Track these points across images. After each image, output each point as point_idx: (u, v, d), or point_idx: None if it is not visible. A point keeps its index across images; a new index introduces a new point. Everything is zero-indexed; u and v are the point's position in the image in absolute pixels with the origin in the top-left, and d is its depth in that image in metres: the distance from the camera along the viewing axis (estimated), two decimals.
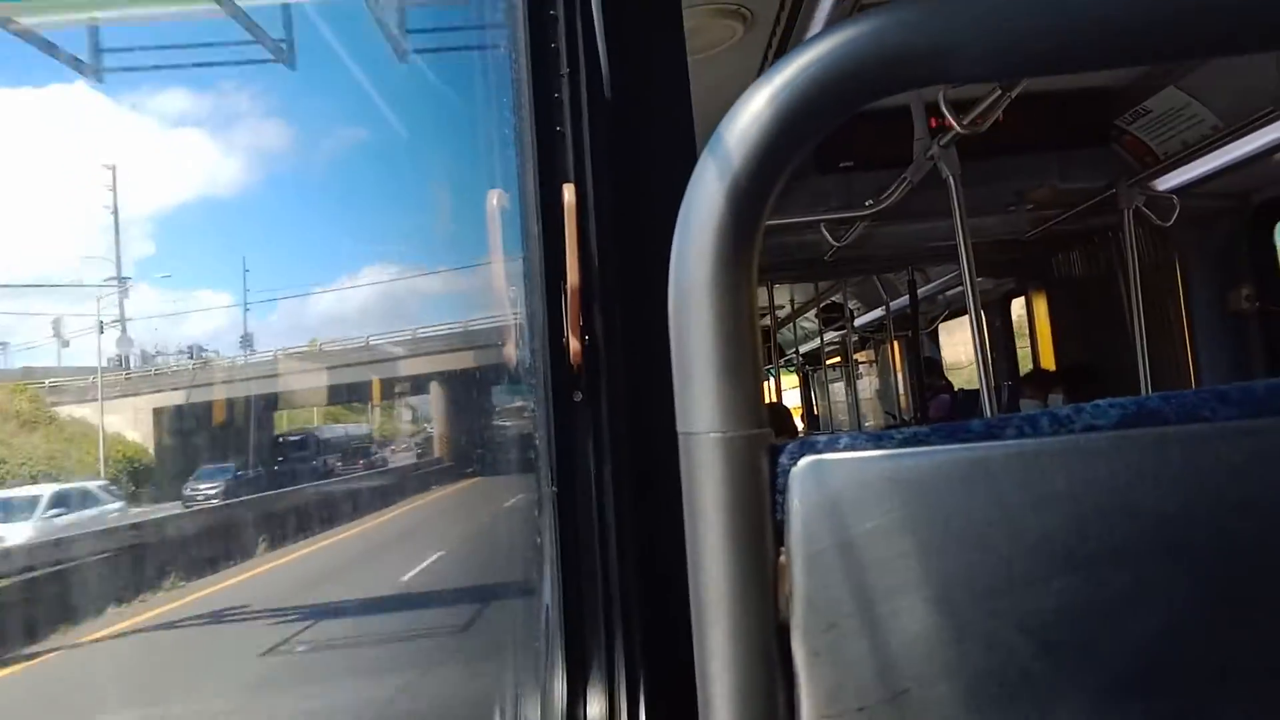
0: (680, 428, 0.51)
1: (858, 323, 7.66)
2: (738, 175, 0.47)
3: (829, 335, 8.76)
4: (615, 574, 0.99)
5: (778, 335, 7.67)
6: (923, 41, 0.46)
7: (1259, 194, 3.55)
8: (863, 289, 7.04)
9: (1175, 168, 3.37)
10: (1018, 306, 5.79)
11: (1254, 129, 2.91)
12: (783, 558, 0.50)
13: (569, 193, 0.97)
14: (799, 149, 0.48)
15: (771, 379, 7.55)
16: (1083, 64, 0.47)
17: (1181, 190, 3.42)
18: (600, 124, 1.00)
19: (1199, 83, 3.04)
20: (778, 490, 0.50)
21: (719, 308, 0.49)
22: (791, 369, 11.16)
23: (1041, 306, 5.35)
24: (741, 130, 0.47)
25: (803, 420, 9.94)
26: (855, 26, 0.46)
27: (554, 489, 1.00)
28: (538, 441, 1.04)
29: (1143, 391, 2.95)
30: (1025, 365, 5.77)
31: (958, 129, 2.42)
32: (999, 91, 2.33)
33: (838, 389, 11.02)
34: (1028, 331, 5.64)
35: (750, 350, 0.49)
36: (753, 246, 0.49)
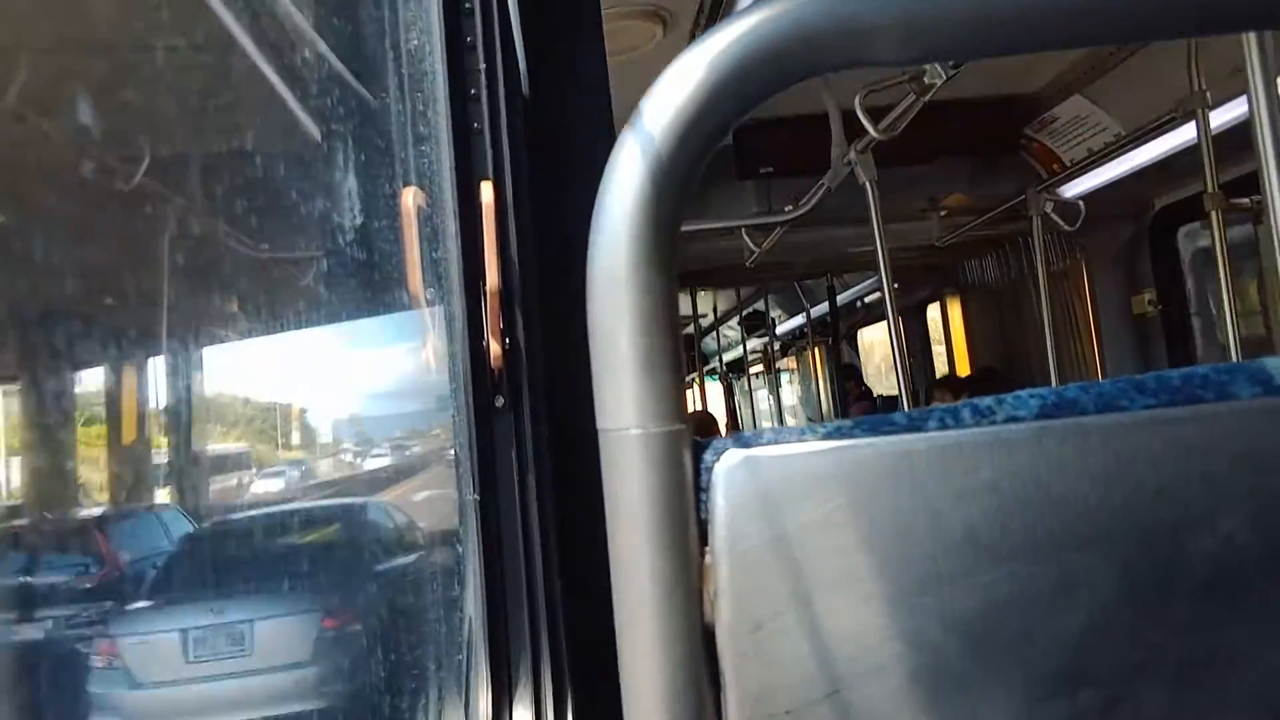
0: (599, 425, 0.49)
1: (780, 330, 7.75)
2: (656, 158, 0.46)
3: (752, 343, 8.85)
4: (540, 581, 0.97)
5: (701, 343, 7.71)
6: (841, 22, 0.45)
7: (1161, 199, 3.69)
8: (785, 297, 7.13)
9: (1081, 174, 3.48)
10: (933, 311, 5.92)
11: (1155, 136, 3.01)
12: (708, 558, 0.48)
13: (487, 191, 0.95)
14: (718, 131, 0.46)
15: (696, 387, 7.60)
16: (998, 48, 0.46)
17: (1088, 196, 3.53)
18: (518, 122, 0.98)
19: (1102, 91, 3.15)
20: (701, 488, 0.49)
21: (636, 295, 0.47)
22: (715, 377, 11.24)
23: (956, 311, 5.49)
24: (659, 114, 0.46)
25: (727, 428, 10.04)
26: (771, 7, 0.45)
27: (476, 497, 0.97)
28: (456, 449, 1.02)
29: None
30: (941, 369, 5.91)
31: (873, 134, 2.45)
32: (913, 97, 2.38)
33: (762, 396, 11.15)
34: (943, 336, 5.78)
35: (671, 343, 0.48)
36: (672, 235, 0.47)
